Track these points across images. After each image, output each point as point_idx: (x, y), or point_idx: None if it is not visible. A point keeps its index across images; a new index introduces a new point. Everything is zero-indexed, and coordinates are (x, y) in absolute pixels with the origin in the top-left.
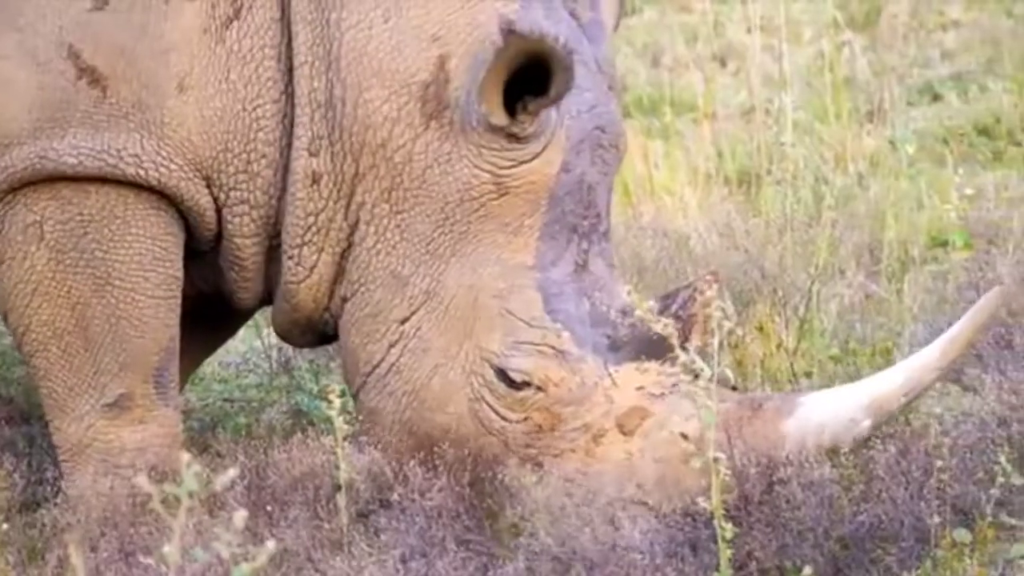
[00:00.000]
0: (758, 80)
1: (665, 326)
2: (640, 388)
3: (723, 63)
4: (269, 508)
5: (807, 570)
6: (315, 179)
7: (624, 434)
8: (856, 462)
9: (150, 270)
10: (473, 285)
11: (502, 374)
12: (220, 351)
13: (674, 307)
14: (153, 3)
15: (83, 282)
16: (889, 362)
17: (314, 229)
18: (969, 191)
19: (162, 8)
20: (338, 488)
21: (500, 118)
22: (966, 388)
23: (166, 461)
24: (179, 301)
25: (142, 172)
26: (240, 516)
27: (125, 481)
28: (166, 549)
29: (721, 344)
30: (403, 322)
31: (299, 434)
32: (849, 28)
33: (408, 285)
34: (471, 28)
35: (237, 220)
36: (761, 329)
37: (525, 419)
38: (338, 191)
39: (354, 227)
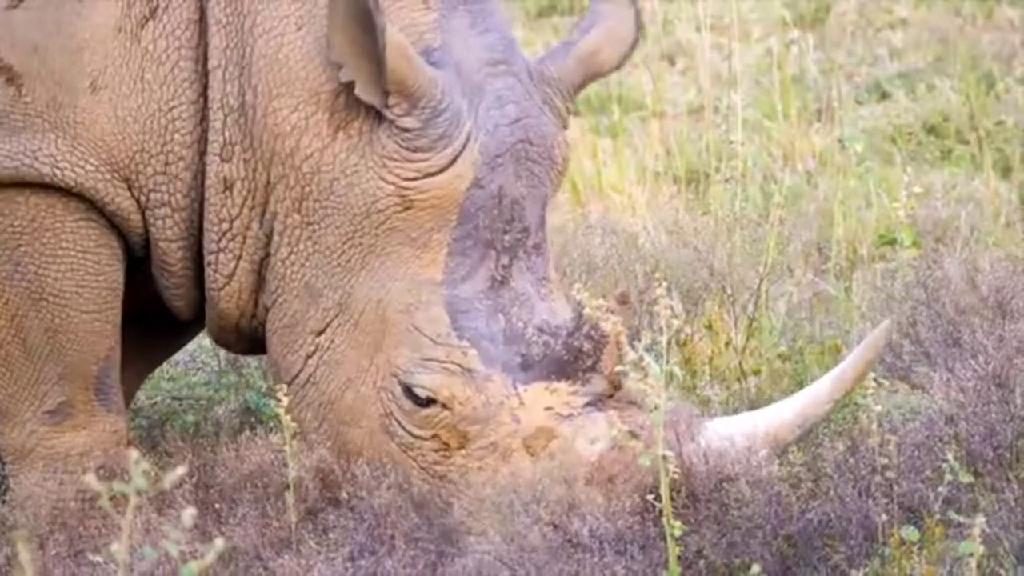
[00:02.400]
0: (707, 78)
1: (613, 324)
2: (548, 408)
3: (672, 61)
4: (218, 506)
5: (755, 568)
6: (227, 185)
7: (531, 454)
8: (804, 460)
9: (84, 285)
10: (382, 300)
11: (408, 391)
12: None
13: (586, 328)
14: (67, 1)
15: (19, 294)
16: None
17: (229, 236)
18: (917, 189)
19: (76, 6)
20: (287, 486)
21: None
22: (914, 386)
23: (111, 464)
24: (118, 311)
25: (58, 173)
26: (189, 514)
27: (71, 482)
28: (114, 547)
29: (669, 342)
30: (318, 334)
31: (248, 432)
32: (798, 26)
33: (322, 297)
34: None
35: (159, 223)
36: (710, 327)
37: (433, 436)
38: (252, 198)
39: (270, 236)
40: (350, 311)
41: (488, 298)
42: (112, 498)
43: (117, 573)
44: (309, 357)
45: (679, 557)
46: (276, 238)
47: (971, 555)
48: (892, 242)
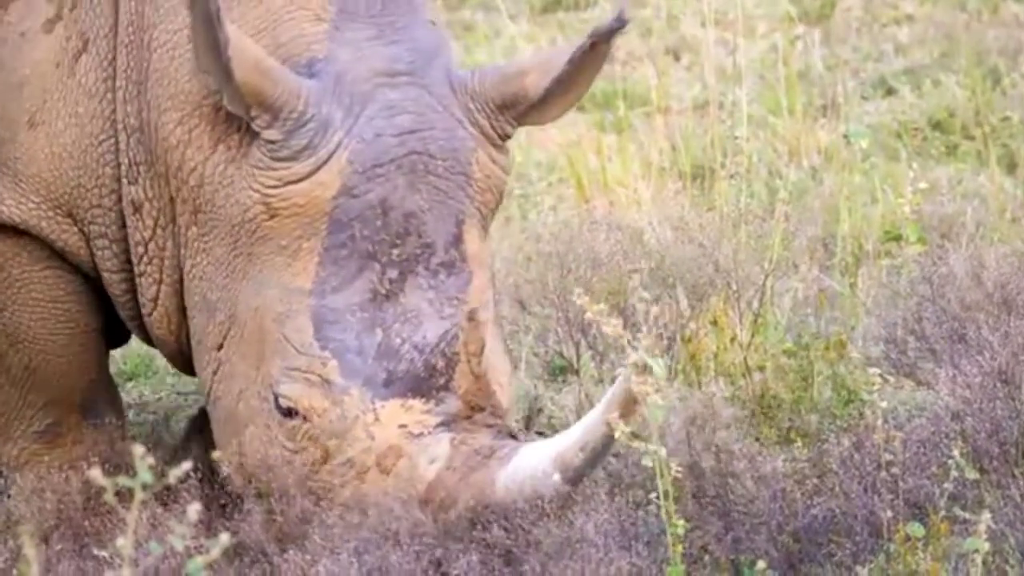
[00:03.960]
0: (712, 74)
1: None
2: (402, 426)
3: (677, 57)
4: (223, 501)
5: (760, 564)
6: (136, 207)
7: (383, 472)
8: (809, 456)
9: (57, 332)
10: (259, 308)
11: (276, 401)
12: None
13: (442, 345)
14: (9, 36)
15: None
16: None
17: (146, 259)
18: (923, 185)
19: (17, 41)
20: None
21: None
22: (920, 382)
23: (116, 459)
24: (98, 347)
25: (3, 210)
26: (194, 509)
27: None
28: (120, 542)
29: (669, 344)
30: (218, 349)
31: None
32: (803, 22)
33: (216, 311)
34: (272, 48)
35: (99, 255)
36: (715, 323)
37: (302, 450)
38: (162, 217)
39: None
40: (238, 322)
41: (365, 311)
42: (117, 493)
43: (122, 568)
44: (214, 373)
45: (683, 554)
46: (182, 253)
47: (976, 551)
48: (897, 238)
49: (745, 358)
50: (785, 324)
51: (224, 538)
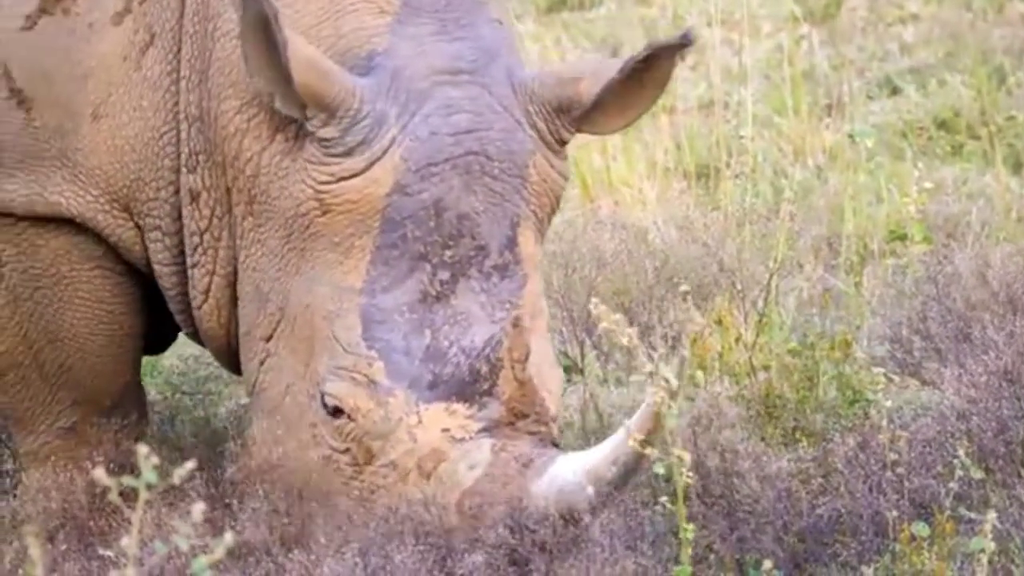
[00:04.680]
0: (717, 74)
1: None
2: (445, 430)
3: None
4: (228, 501)
5: (766, 563)
6: (194, 196)
7: (423, 476)
8: (815, 455)
9: (97, 332)
10: (309, 305)
11: (323, 399)
12: (179, 343)
13: (486, 350)
14: (77, 27)
15: (37, 331)
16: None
17: (200, 249)
18: (928, 185)
19: (85, 33)
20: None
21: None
22: (925, 382)
23: (121, 459)
24: (135, 351)
25: (63, 201)
26: (199, 509)
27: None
28: (125, 541)
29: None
30: (267, 340)
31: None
32: (808, 22)
33: (268, 302)
34: (333, 38)
35: (152, 247)
36: (720, 322)
37: (347, 450)
38: (219, 208)
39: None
40: (288, 316)
41: (415, 312)
42: (122, 493)
43: (127, 568)
44: (261, 364)
45: (689, 554)
46: (237, 243)
47: (982, 551)
48: (903, 237)
49: (750, 358)
50: (790, 324)
51: (229, 538)
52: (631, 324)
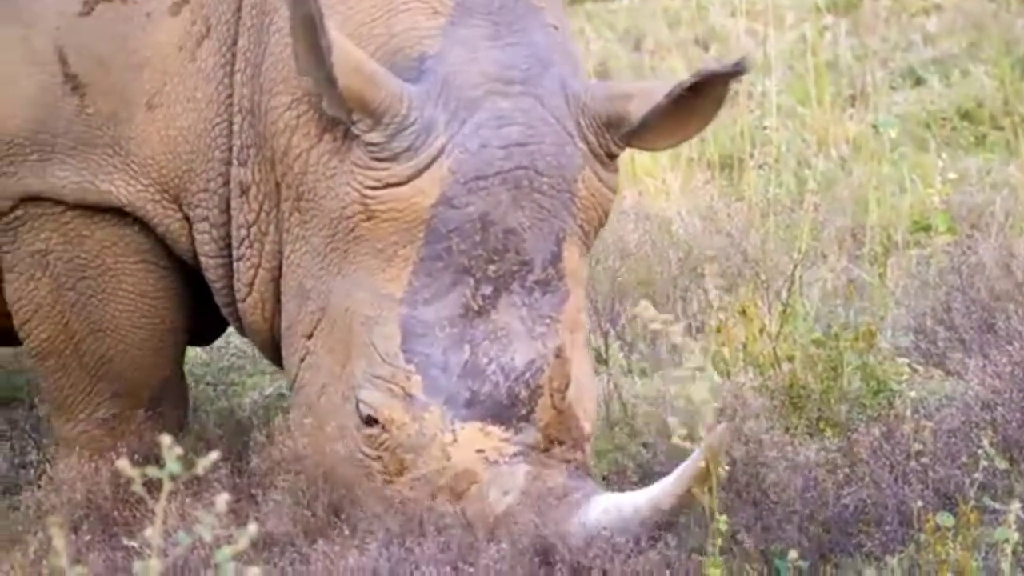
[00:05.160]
0: None
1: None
2: (480, 451)
3: (706, 47)
4: (252, 492)
5: (792, 553)
6: (244, 189)
7: (455, 496)
8: (840, 446)
9: (140, 326)
10: (349, 308)
11: (357, 405)
12: None
13: (527, 375)
14: (135, 15)
15: (79, 321)
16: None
17: (247, 243)
18: (952, 175)
19: (142, 22)
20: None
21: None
22: (949, 372)
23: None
24: (177, 346)
25: (113, 190)
26: (222, 499)
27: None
28: (148, 532)
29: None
30: (308, 338)
31: (281, 417)
32: (831, 12)
33: (309, 300)
34: (385, 38)
35: (199, 239)
36: (744, 313)
37: (378, 458)
38: (268, 202)
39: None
40: (329, 316)
41: (455, 326)
42: (146, 483)
43: (151, 558)
44: (301, 360)
45: (719, 548)
46: (283, 238)
47: (1006, 541)
48: (927, 228)
49: (774, 348)
50: (814, 314)
51: (252, 528)
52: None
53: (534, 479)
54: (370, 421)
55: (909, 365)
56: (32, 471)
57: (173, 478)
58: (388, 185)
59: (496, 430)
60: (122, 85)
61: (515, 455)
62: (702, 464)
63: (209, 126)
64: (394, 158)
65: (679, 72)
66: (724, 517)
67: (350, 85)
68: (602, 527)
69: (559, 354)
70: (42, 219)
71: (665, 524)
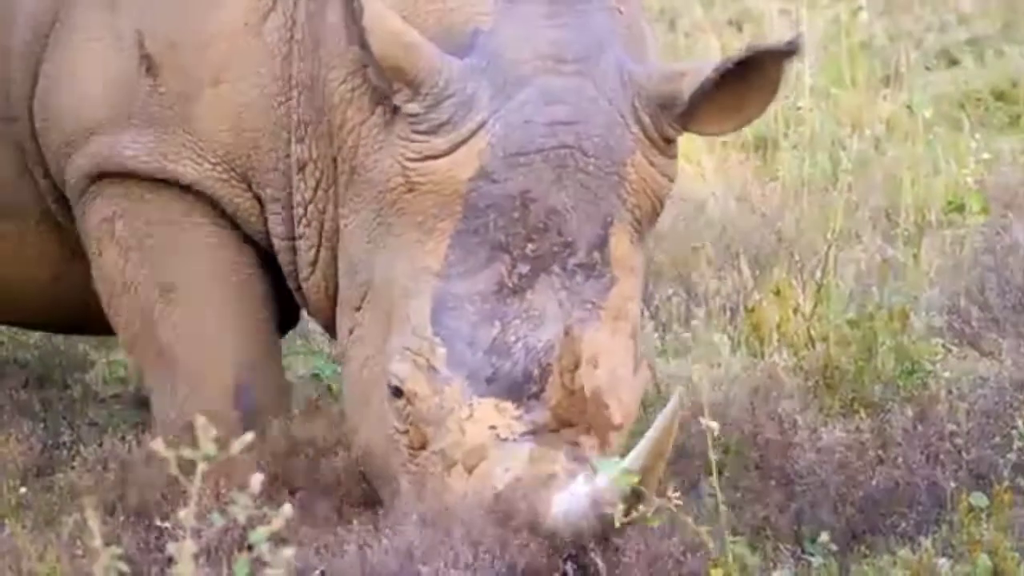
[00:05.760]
0: None
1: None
2: (492, 427)
3: (740, 28)
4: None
5: (823, 536)
6: (301, 167)
7: (467, 471)
8: (872, 427)
9: (210, 287)
10: (390, 280)
11: (389, 377)
12: None
13: (541, 353)
14: None
15: (147, 288)
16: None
17: (304, 221)
18: (986, 155)
19: None
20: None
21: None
22: (983, 352)
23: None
24: (256, 319)
25: (180, 169)
26: (257, 480)
27: None
28: (183, 513)
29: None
30: (357, 310)
31: (316, 398)
32: None
33: (357, 273)
34: (441, 12)
35: (272, 219)
36: (778, 293)
37: (406, 431)
38: (325, 179)
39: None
40: (374, 289)
41: (487, 302)
42: (180, 464)
43: (185, 539)
44: (350, 333)
45: (747, 525)
46: (340, 213)
47: None
48: (960, 208)
49: (808, 328)
50: (848, 294)
51: (287, 509)
52: (689, 295)
53: (534, 460)
54: (397, 393)
55: (943, 345)
56: (66, 452)
57: (208, 459)
58: (427, 157)
59: (509, 407)
60: (189, 63)
61: (524, 433)
62: (659, 437)
63: (275, 103)
64: (434, 131)
65: (714, 53)
66: (725, 509)
67: (385, 54)
68: (570, 512)
69: (568, 332)
70: (109, 188)
71: (633, 503)
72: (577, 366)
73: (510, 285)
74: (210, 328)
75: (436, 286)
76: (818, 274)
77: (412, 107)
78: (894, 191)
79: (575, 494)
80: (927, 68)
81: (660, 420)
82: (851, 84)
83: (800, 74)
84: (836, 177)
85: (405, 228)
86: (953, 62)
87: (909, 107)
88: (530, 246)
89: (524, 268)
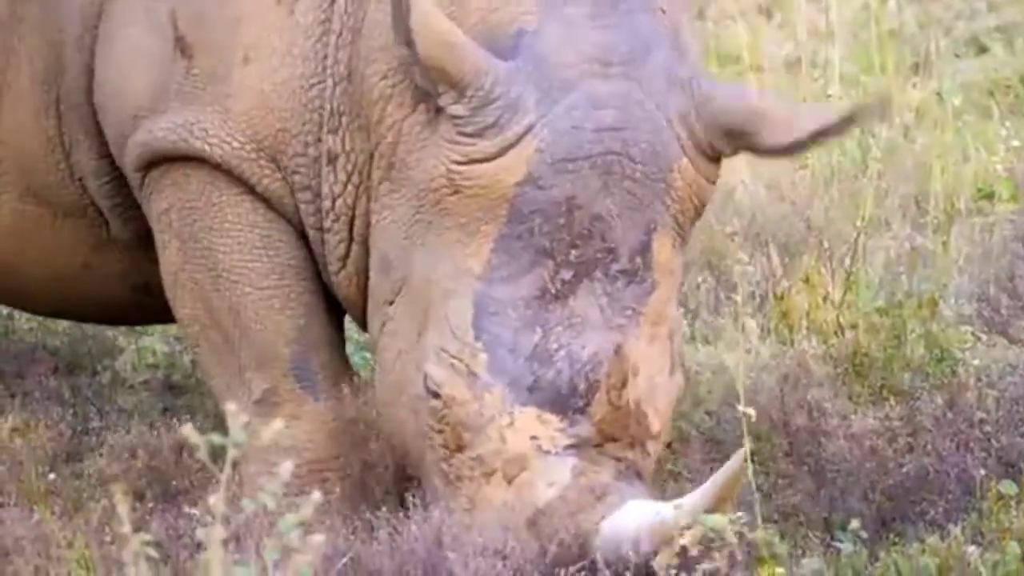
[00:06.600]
0: (804, 32)
1: None
2: (534, 438)
3: (769, 15)
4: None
5: (854, 523)
6: (331, 159)
7: (506, 480)
8: (902, 414)
9: (253, 260)
10: (429, 279)
11: (425, 378)
12: None
13: (588, 367)
14: None
15: (202, 273)
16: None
17: (333, 215)
18: (1015, 143)
19: None
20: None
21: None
22: (1012, 340)
23: (324, 459)
24: (302, 289)
25: (207, 148)
26: (287, 467)
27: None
28: (212, 499)
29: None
30: (389, 304)
31: (345, 384)
32: None
33: (392, 268)
34: (486, 11)
35: (304, 208)
36: (807, 281)
37: (441, 431)
38: (357, 174)
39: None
40: (410, 284)
41: (530, 308)
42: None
43: (214, 526)
44: (383, 326)
45: (777, 511)
46: (373, 207)
47: None
48: (990, 196)
49: (837, 316)
50: (877, 282)
51: (316, 496)
52: (718, 282)
53: (579, 474)
54: (435, 395)
55: (972, 333)
56: (95, 438)
57: (237, 446)
58: (473, 161)
59: (553, 419)
60: (220, 40)
61: (568, 447)
62: (726, 482)
63: (306, 84)
64: (480, 134)
65: (742, 39)
66: (758, 496)
67: (430, 54)
68: (634, 532)
69: (618, 350)
70: (162, 181)
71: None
72: (625, 384)
73: (552, 291)
74: (255, 307)
75: (477, 289)
76: (847, 262)
77: (457, 109)
78: (923, 179)
79: (626, 522)
80: (956, 55)
81: (728, 466)
82: (880, 71)
83: (830, 61)
84: (865, 165)
85: (447, 228)
86: (982, 49)
87: (939, 94)
88: (574, 252)
89: (567, 274)
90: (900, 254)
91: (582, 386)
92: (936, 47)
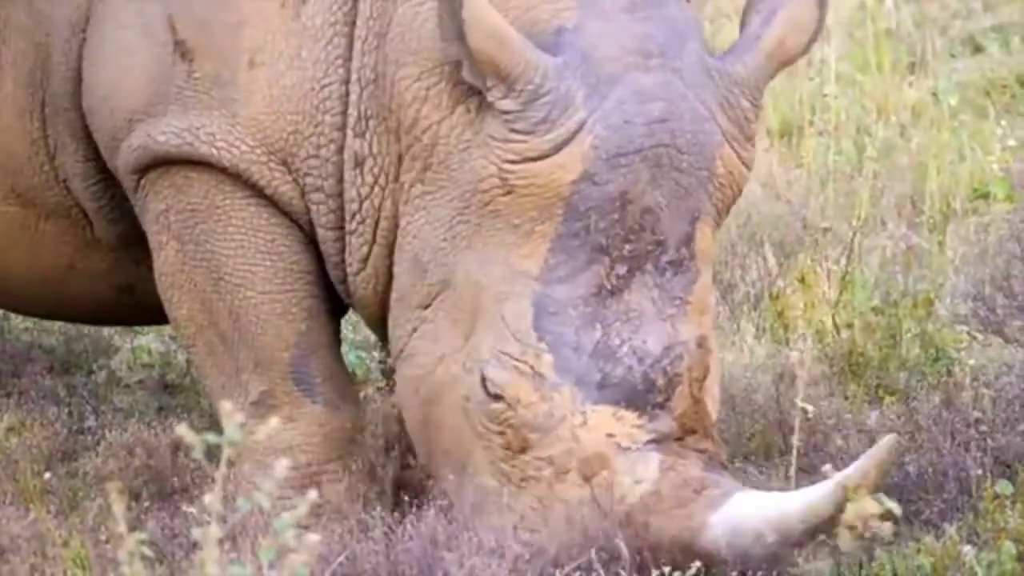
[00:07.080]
0: None
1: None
2: (611, 436)
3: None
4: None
5: None
6: (358, 162)
7: (583, 479)
8: (900, 413)
9: (256, 264)
10: (479, 282)
11: (483, 380)
12: None
13: (664, 362)
14: None
15: (203, 276)
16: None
17: (359, 218)
18: (1011, 142)
19: None
20: (384, 442)
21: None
22: (1008, 339)
23: (319, 461)
24: (305, 294)
25: (215, 152)
26: (282, 466)
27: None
28: (207, 498)
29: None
30: (424, 308)
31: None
32: None
33: (427, 272)
34: (523, 9)
35: (315, 209)
36: (803, 280)
37: (500, 433)
38: (384, 176)
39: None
40: (453, 288)
41: (589, 305)
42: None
43: (210, 524)
44: (414, 331)
45: None
46: (401, 209)
47: None
48: (986, 195)
49: (833, 316)
50: (873, 282)
51: (312, 495)
52: (714, 282)
53: (669, 469)
54: (496, 398)
55: (968, 332)
56: (90, 437)
57: (232, 445)
58: (527, 159)
59: (629, 415)
60: (222, 45)
61: (648, 442)
62: (867, 473)
63: (317, 87)
64: (531, 130)
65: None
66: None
67: (482, 48)
68: (752, 525)
69: (701, 343)
70: (159, 182)
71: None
72: (706, 376)
73: (608, 287)
74: (257, 311)
75: (536, 290)
76: (843, 261)
77: (507, 104)
78: (919, 178)
79: (745, 515)
80: (952, 55)
81: (882, 445)
82: (877, 71)
83: (826, 60)
84: (861, 164)
85: (498, 230)
86: (978, 49)
87: (934, 94)
88: (627, 247)
89: (621, 269)
90: (896, 253)
91: (660, 381)
92: (932, 46)
